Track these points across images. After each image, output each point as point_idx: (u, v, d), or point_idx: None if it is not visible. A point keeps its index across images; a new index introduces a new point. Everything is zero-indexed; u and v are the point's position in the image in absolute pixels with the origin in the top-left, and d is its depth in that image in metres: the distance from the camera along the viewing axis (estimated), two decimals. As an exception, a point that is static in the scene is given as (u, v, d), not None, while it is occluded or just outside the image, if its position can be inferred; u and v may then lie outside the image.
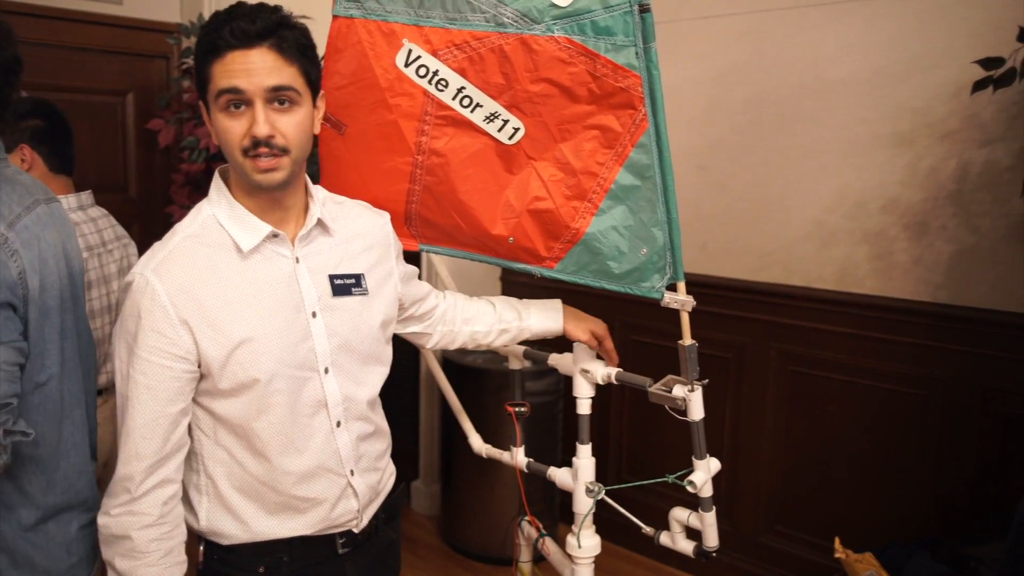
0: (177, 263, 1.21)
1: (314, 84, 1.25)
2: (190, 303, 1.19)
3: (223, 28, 1.16)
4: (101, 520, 1.22)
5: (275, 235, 1.26)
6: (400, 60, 1.46)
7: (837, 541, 2.21)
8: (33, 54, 3.22)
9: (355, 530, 1.37)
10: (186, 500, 1.30)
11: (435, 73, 1.45)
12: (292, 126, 1.20)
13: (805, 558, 2.77)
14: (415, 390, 3.52)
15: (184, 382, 1.21)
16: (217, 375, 1.21)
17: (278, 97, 1.18)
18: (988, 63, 2.04)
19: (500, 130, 1.47)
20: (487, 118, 1.47)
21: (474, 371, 3.03)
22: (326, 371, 1.29)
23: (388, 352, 1.42)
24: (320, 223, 1.32)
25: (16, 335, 1.15)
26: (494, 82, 1.44)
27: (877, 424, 2.59)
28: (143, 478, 1.19)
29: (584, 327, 1.64)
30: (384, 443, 1.44)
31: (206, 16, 3.30)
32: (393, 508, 1.48)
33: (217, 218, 1.26)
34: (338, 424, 1.32)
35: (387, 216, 1.47)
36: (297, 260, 1.29)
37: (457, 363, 3.07)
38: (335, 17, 1.49)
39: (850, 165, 2.61)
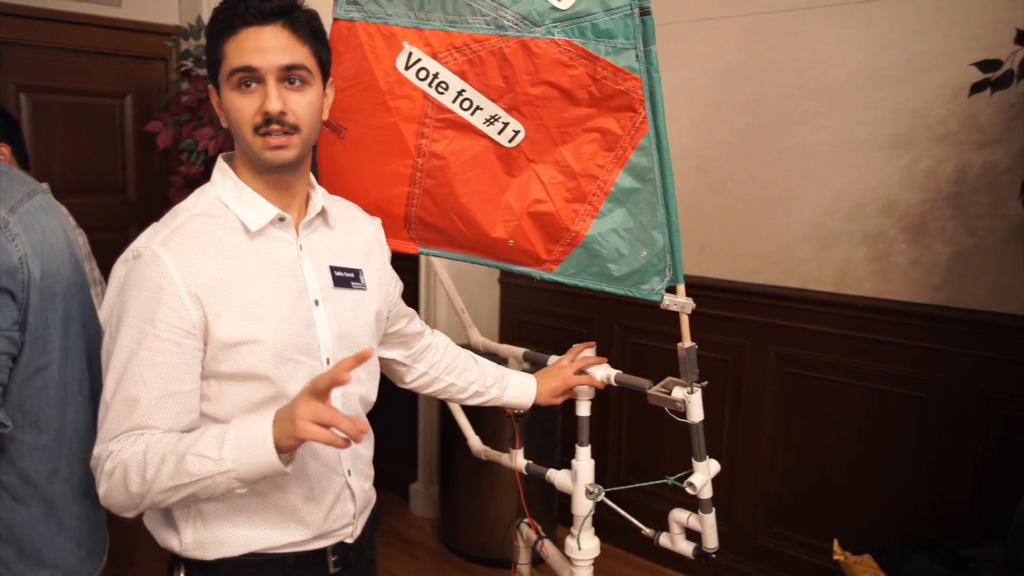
0: (185, 239, 1.18)
1: (324, 68, 1.26)
2: (200, 278, 1.16)
3: (238, 5, 1.16)
4: (106, 466, 1.13)
5: (281, 218, 1.25)
6: (400, 63, 1.46)
7: (836, 543, 2.21)
8: (31, 56, 3.24)
9: (349, 540, 1.34)
10: (168, 515, 1.24)
11: (435, 76, 1.46)
12: (304, 105, 1.20)
13: (804, 560, 2.77)
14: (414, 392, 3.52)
15: (192, 360, 1.16)
16: (222, 355, 1.17)
17: (290, 76, 1.19)
18: (986, 65, 2.04)
19: (500, 133, 1.48)
20: (487, 121, 1.47)
21: (473, 373, 3.03)
22: (327, 362, 1.28)
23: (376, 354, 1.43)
24: (323, 212, 1.32)
25: (9, 323, 1.15)
26: (494, 85, 1.44)
27: (875, 426, 2.59)
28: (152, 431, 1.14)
29: (552, 394, 1.67)
30: (371, 448, 1.42)
31: (204, 19, 3.31)
32: (374, 523, 1.45)
33: (222, 200, 1.24)
34: None
35: (379, 220, 1.47)
36: (300, 247, 1.28)
37: (456, 365, 3.07)
38: (335, 20, 1.49)
39: (849, 167, 2.61)
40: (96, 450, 1.15)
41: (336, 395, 1.28)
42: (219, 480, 1.08)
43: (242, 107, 1.18)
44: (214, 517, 1.22)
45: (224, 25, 1.17)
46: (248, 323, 1.18)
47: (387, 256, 1.46)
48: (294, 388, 1.21)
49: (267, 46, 1.16)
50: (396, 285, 1.48)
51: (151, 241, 1.17)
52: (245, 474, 1.08)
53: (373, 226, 1.45)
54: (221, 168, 1.27)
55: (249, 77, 1.17)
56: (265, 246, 1.24)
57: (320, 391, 1.06)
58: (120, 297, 1.16)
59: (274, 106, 1.16)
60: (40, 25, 3.21)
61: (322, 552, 1.30)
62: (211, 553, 1.22)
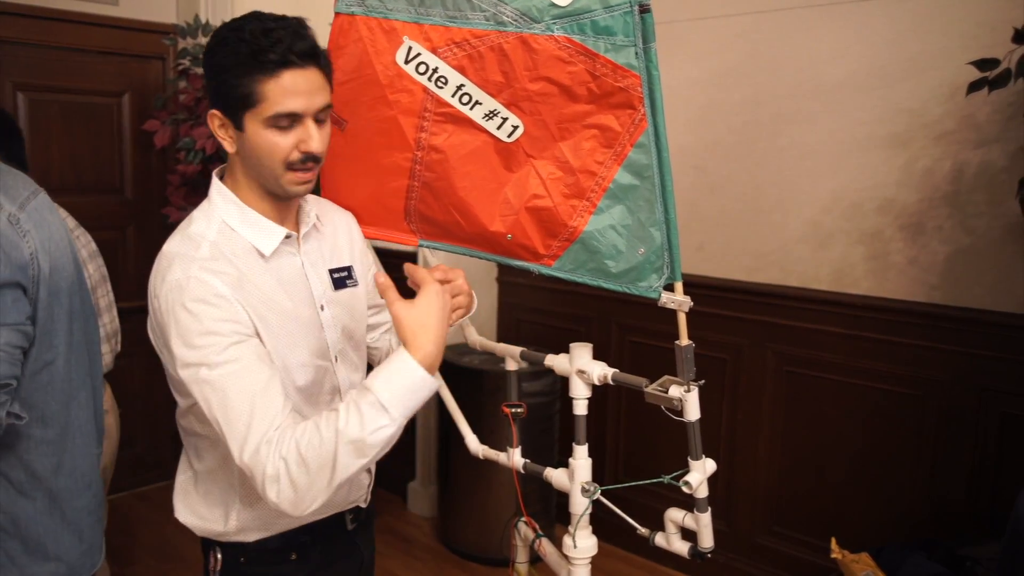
0: (220, 266, 1.21)
1: None
2: (246, 301, 1.21)
3: (275, 46, 1.15)
4: (268, 470, 1.10)
5: (288, 236, 1.30)
6: (400, 57, 1.46)
7: (834, 541, 2.21)
8: (29, 55, 3.24)
9: (363, 504, 1.49)
10: (214, 502, 1.33)
11: (435, 70, 1.46)
12: (327, 137, 1.26)
13: (802, 558, 2.77)
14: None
15: (265, 351, 1.20)
16: None
17: (319, 115, 1.23)
18: (983, 64, 2.05)
19: (499, 128, 1.48)
20: (486, 115, 1.47)
21: (471, 372, 3.03)
22: (336, 360, 1.37)
23: None
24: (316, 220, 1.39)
25: (22, 318, 1.17)
26: (493, 80, 1.44)
27: (873, 425, 2.59)
28: (279, 425, 1.13)
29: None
30: None
31: (203, 18, 3.30)
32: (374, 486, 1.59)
33: (228, 223, 1.26)
34: None
35: (349, 213, 1.54)
36: (302, 260, 1.35)
37: (454, 364, 3.07)
38: (337, 14, 1.50)
39: (846, 166, 2.62)
40: (244, 459, 1.11)
41: (346, 387, 1.39)
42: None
43: (279, 144, 1.20)
44: (260, 506, 1.32)
45: (258, 65, 1.15)
46: (279, 340, 1.25)
47: (362, 245, 1.53)
48: (314, 387, 1.32)
49: (307, 89, 1.18)
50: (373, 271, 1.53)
51: (189, 271, 1.17)
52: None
53: (348, 218, 1.52)
54: (220, 190, 1.29)
55: (291, 120, 1.19)
56: (278, 265, 1.30)
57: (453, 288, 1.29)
58: (177, 325, 1.15)
59: (317, 147, 1.21)
60: (38, 24, 3.21)
61: (341, 514, 1.45)
62: (251, 536, 1.33)
